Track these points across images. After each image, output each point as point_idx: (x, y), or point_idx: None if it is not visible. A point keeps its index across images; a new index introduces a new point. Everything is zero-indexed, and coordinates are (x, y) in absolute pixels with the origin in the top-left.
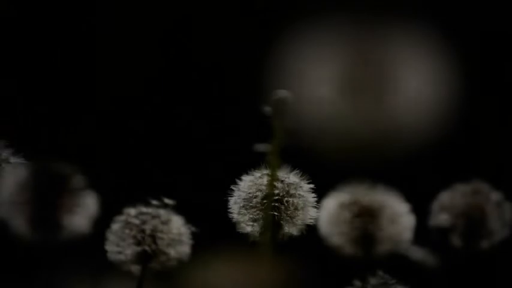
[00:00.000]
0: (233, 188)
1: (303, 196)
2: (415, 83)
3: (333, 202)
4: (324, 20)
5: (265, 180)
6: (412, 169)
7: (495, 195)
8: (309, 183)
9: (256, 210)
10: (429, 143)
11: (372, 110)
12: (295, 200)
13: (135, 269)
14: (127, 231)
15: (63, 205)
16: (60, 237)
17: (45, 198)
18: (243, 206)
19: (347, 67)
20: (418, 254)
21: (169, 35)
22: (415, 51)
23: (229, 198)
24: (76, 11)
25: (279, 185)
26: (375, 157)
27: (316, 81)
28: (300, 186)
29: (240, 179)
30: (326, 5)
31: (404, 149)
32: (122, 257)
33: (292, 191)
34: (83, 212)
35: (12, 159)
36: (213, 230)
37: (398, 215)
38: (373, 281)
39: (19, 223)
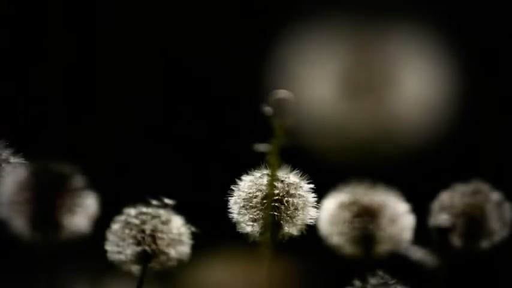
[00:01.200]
0: (233, 188)
1: (303, 196)
2: (415, 84)
3: (333, 202)
4: (325, 20)
5: (265, 180)
6: (412, 169)
7: (495, 195)
8: (309, 183)
9: (256, 210)
10: (429, 143)
11: (372, 110)
12: (295, 200)
13: (135, 269)
14: (127, 231)
15: (63, 205)
16: (60, 238)
17: (45, 198)
18: (243, 206)
19: (348, 67)
20: (418, 254)
21: (168, 35)
22: (416, 51)
23: (229, 198)
24: (76, 10)
25: (279, 185)
26: (375, 157)
27: (316, 82)
28: (300, 186)
29: (240, 179)
30: (327, 5)
31: (405, 148)
32: (122, 257)
33: (292, 191)
34: (83, 212)
35: (12, 159)
36: (213, 230)
37: (398, 215)
38: (373, 281)
39: (19, 223)
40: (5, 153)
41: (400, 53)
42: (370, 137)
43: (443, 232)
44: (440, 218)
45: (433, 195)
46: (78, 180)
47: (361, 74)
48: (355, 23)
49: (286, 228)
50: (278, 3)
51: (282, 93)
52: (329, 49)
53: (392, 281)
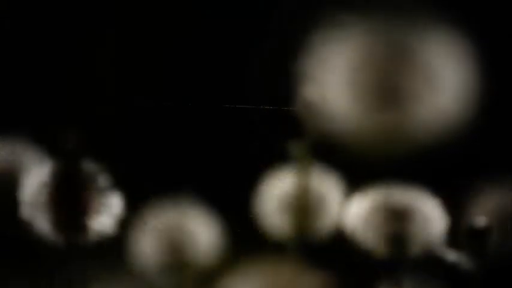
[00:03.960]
0: (261, 189)
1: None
2: (442, 94)
3: (363, 204)
4: (350, 26)
5: (294, 181)
6: (446, 169)
7: None
8: (336, 181)
9: (286, 212)
10: (450, 141)
11: (395, 120)
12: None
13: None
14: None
15: (86, 205)
16: (84, 239)
17: (69, 198)
18: (272, 209)
19: (370, 75)
20: (452, 256)
21: (186, 36)
22: (440, 54)
23: (257, 200)
24: (76, 9)
25: (306, 187)
26: (404, 157)
27: (336, 89)
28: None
29: (268, 181)
30: (354, 10)
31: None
32: None
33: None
34: (107, 212)
35: (33, 159)
36: (236, 234)
37: (430, 217)
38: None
39: (42, 224)
40: (24, 153)
41: (428, 59)
42: (391, 143)
43: (480, 234)
44: (477, 219)
45: (466, 195)
46: (102, 180)
47: (385, 83)
48: (381, 28)
49: (314, 230)
50: (298, 4)
51: (311, 97)
52: (353, 56)
53: (426, 284)
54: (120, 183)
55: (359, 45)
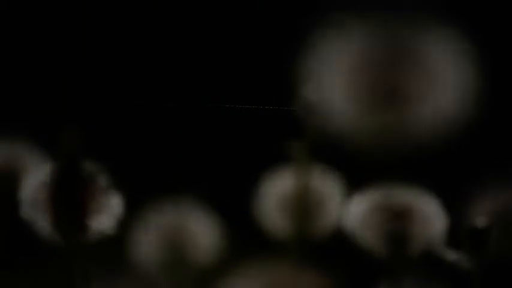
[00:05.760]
0: (261, 188)
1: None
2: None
3: (363, 204)
4: (345, 22)
5: (294, 180)
6: (445, 167)
7: None
8: (336, 181)
9: (286, 212)
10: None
11: (389, 116)
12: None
13: None
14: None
15: (87, 205)
16: (84, 239)
17: (69, 198)
18: (271, 207)
19: (364, 71)
20: (452, 256)
21: (181, 35)
22: (443, 56)
23: (257, 200)
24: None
25: (306, 187)
26: (403, 156)
27: (331, 86)
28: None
29: (268, 181)
30: (357, 12)
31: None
32: None
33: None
34: (107, 212)
35: (33, 159)
36: (235, 236)
37: (430, 217)
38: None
39: (42, 224)
40: (24, 153)
41: (428, 59)
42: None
43: (481, 234)
44: (477, 218)
45: (466, 196)
46: (102, 180)
47: (385, 83)
48: (381, 28)
49: (313, 229)
50: (302, 9)
51: (311, 97)
52: (354, 56)
53: (426, 284)
54: (120, 183)
55: (359, 45)
